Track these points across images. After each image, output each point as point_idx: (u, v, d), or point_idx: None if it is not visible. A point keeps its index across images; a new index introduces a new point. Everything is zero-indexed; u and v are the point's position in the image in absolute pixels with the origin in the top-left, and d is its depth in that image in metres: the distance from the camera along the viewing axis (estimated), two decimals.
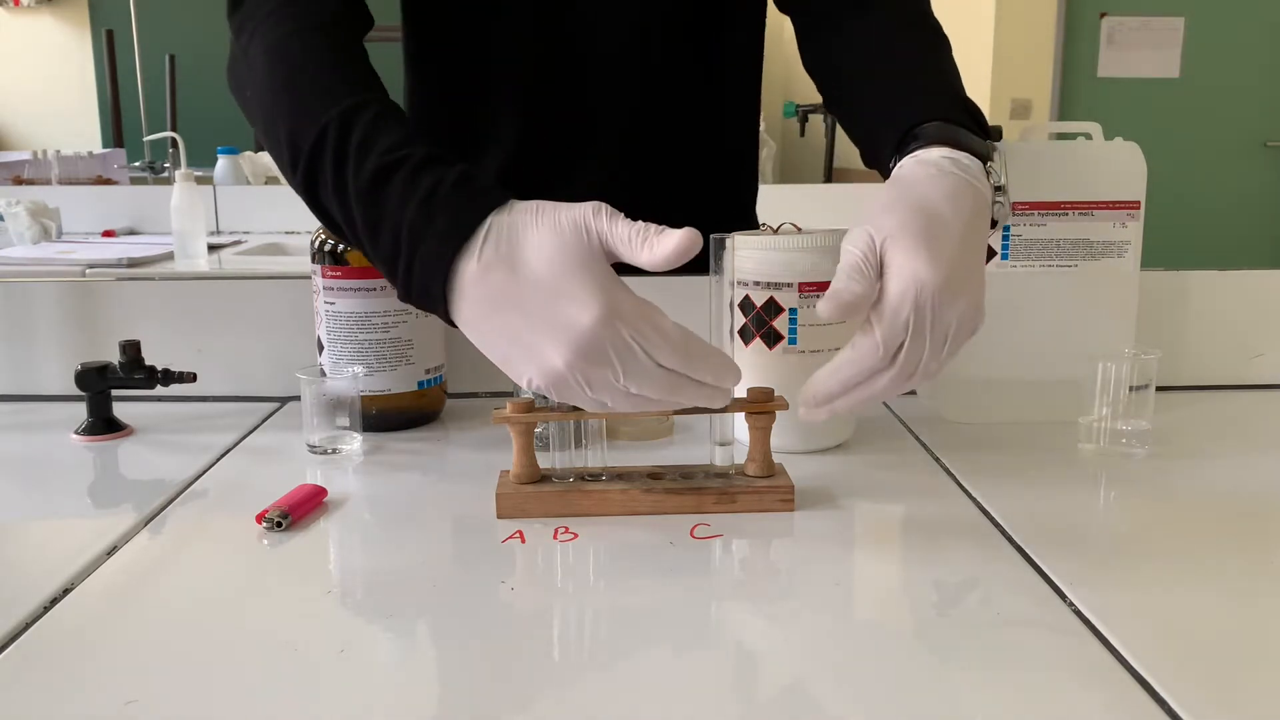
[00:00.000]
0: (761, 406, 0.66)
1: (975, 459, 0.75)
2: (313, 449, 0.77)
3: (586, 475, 0.67)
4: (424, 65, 0.97)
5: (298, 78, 0.67)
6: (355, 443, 0.77)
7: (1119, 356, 0.76)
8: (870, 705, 0.45)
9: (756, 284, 0.75)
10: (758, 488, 0.65)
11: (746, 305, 0.76)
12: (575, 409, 0.67)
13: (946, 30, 0.88)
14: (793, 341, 0.74)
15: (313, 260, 0.81)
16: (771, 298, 0.74)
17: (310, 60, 0.68)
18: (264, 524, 0.63)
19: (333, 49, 0.69)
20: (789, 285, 0.73)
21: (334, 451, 0.77)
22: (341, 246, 0.79)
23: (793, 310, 0.74)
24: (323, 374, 0.80)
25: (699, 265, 0.76)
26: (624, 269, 0.58)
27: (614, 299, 0.55)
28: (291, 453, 0.79)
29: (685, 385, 0.57)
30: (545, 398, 0.62)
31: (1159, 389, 0.76)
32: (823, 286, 0.72)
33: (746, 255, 0.75)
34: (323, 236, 0.80)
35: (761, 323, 0.75)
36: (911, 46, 0.79)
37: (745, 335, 0.76)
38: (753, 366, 0.76)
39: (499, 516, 0.65)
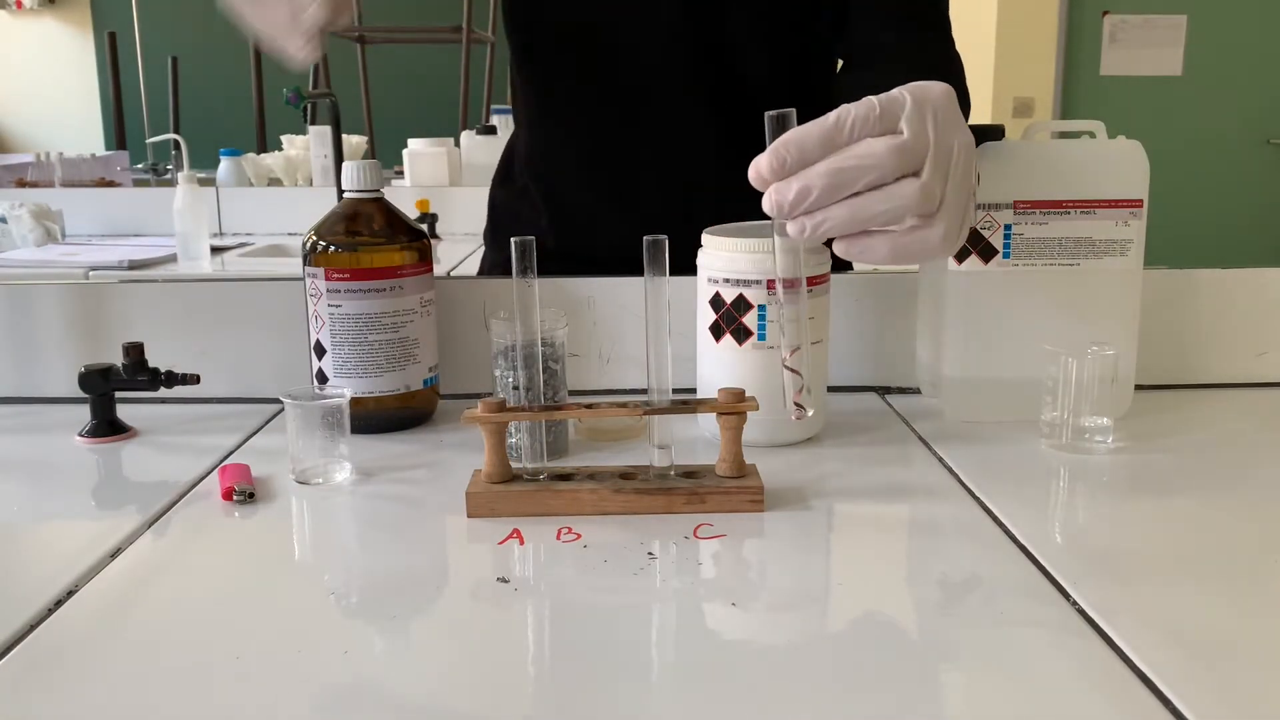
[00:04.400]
0: (732, 407, 0.66)
1: (976, 457, 0.75)
2: (301, 482, 0.72)
3: (558, 475, 0.67)
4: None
5: None
6: (346, 470, 0.73)
7: (1079, 352, 0.75)
8: (871, 705, 0.45)
9: (726, 281, 0.75)
10: (727, 488, 0.66)
11: (717, 302, 0.76)
12: (549, 408, 0.67)
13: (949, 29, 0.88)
14: (762, 337, 0.75)
15: (307, 264, 0.80)
16: (741, 294, 0.75)
17: None
18: (235, 498, 0.68)
19: None
20: (758, 282, 0.74)
21: (322, 482, 0.72)
22: (342, 247, 0.79)
23: (762, 307, 0.75)
24: (318, 382, 0.80)
25: (688, 266, 0.76)
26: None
27: None
28: None
29: None
30: (516, 387, 0.62)
31: (1162, 388, 0.76)
32: (792, 284, 0.73)
33: (716, 253, 0.76)
34: (315, 238, 0.80)
35: (731, 319, 0.76)
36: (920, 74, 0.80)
37: (716, 331, 0.77)
38: (723, 362, 0.77)
39: (469, 515, 0.65)
